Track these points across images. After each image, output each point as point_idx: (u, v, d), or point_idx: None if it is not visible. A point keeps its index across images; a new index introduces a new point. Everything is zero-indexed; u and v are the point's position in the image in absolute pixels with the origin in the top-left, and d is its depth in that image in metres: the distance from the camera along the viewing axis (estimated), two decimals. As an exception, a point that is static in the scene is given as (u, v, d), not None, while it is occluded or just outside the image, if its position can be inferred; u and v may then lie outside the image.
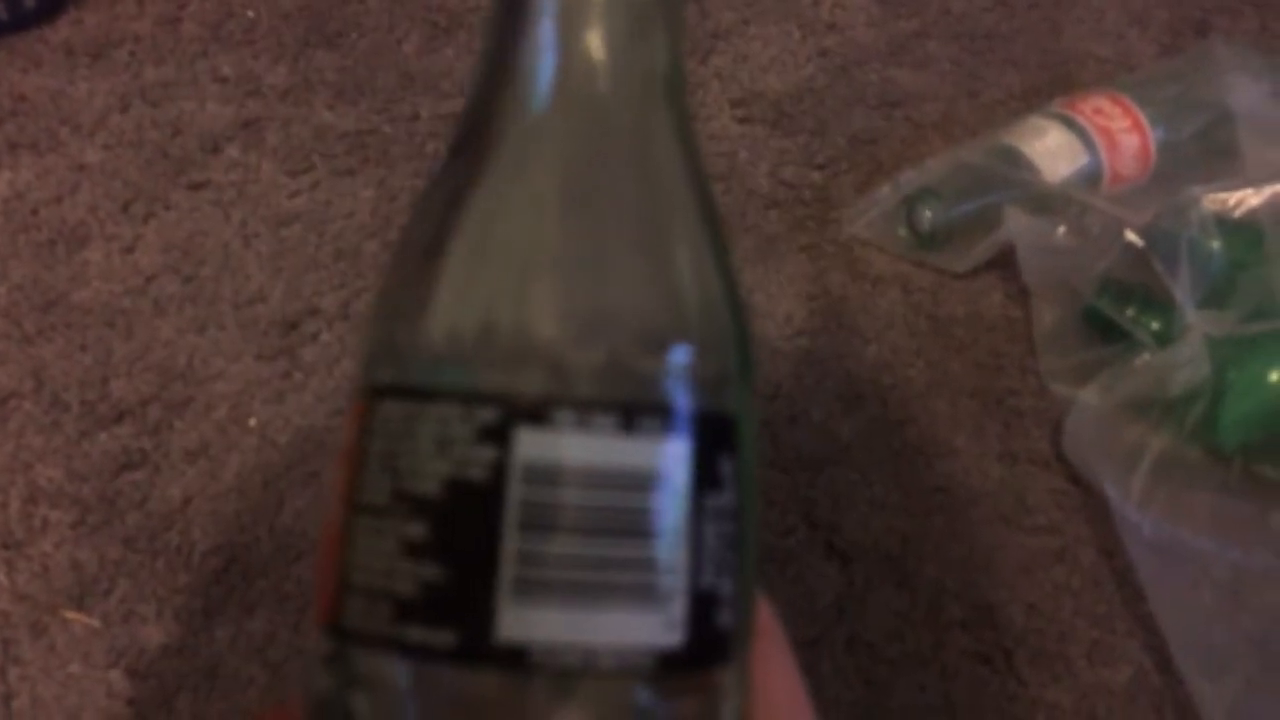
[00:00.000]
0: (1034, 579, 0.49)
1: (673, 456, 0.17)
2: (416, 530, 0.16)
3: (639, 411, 0.17)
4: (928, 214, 0.57)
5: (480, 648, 0.16)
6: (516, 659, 0.16)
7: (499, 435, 0.16)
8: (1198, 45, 0.69)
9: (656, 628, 0.16)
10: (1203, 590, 0.46)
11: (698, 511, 0.17)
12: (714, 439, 0.17)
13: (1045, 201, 0.55)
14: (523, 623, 0.16)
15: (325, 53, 0.64)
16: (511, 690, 0.16)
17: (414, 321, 0.18)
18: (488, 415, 0.16)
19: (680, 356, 0.17)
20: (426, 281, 0.18)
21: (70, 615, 0.43)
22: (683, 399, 0.17)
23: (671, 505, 0.17)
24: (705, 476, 0.17)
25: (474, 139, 0.19)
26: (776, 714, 0.20)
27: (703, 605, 0.17)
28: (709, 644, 0.17)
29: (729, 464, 0.18)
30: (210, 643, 0.43)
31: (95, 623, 0.43)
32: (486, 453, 0.16)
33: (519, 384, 0.16)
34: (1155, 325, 0.50)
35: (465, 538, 0.16)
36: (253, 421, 0.48)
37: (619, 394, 0.17)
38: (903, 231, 0.59)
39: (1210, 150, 0.58)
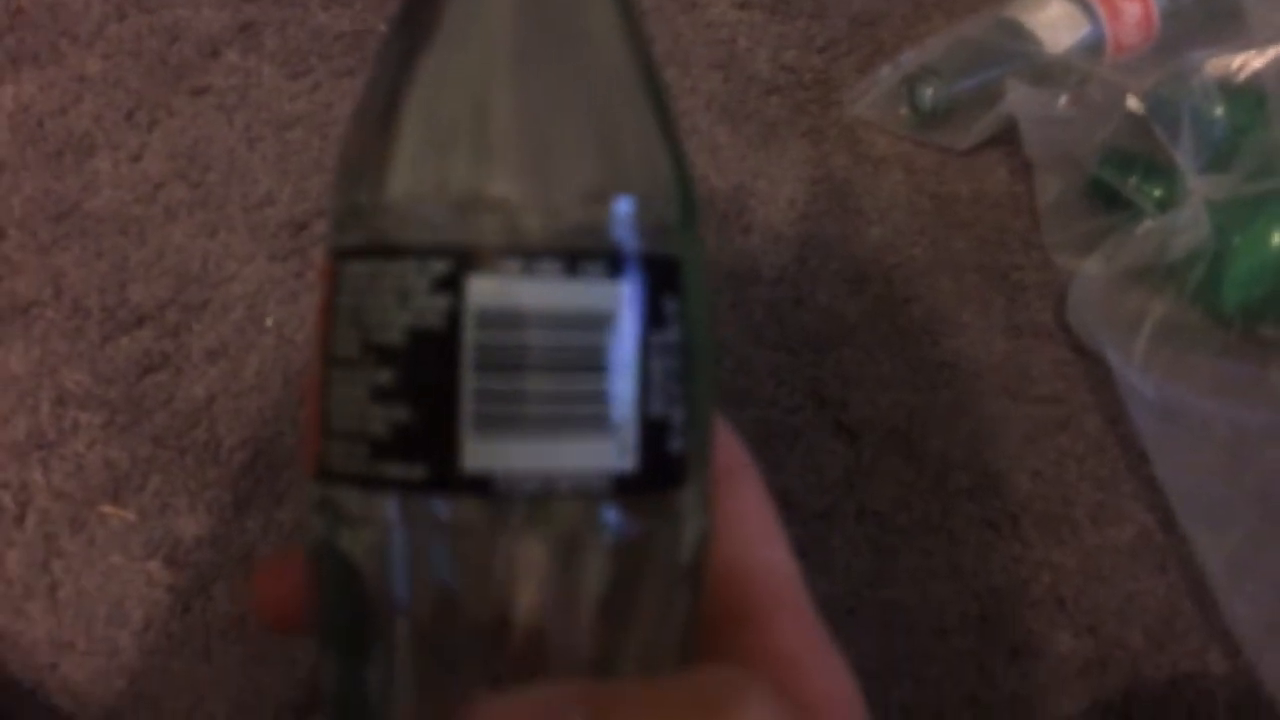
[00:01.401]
0: (1038, 447, 0.50)
1: (615, 297, 0.18)
2: (384, 377, 0.18)
3: (582, 256, 0.18)
4: (929, 91, 0.57)
5: (448, 478, 0.17)
6: (482, 486, 0.17)
7: (452, 284, 0.17)
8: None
9: (610, 453, 0.18)
10: (1205, 449, 0.47)
11: (643, 347, 0.18)
12: (656, 280, 0.19)
13: (1047, 73, 0.55)
14: (485, 454, 0.17)
15: (318, -47, 0.63)
16: (479, 515, 0.17)
17: (372, 185, 0.19)
18: (441, 267, 0.17)
19: (622, 207, 0.18)
20: (382, 147, 0.19)
21: (107, 510, 0.44)
22: (623, 244, 0.18)
23: (617, 342, 0.18)
24: (649, 315, 0.18)
25: (420, 7, 0.20)
26: (749, 540, 0.21)
27: (653, 432, 0.18)
28: (662, 468, 0.18)
29: (672, 303, 0.19)
30: (242, 532, 0.44)
31: (131, 516, 0.44)
32: (442, 301, 0.17)
33: (469, 237, 0.18)
34: (1158, 193, 0.50)
35: (427, 380, 0.17)
36: (269, 321, 0.50)
37: (562, 242, 0.18)
38: (905, 111, 0.59)
39: (1214, 14, 0.57)
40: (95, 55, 0.57)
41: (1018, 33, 0.56)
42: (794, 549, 0.22)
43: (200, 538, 0.44)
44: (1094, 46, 0.57)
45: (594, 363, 0.18)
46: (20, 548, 0.44)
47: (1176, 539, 0.47)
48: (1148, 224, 0.49)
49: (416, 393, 0.17)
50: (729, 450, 0.22)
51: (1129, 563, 0.48)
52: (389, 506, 0.18)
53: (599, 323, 0.18)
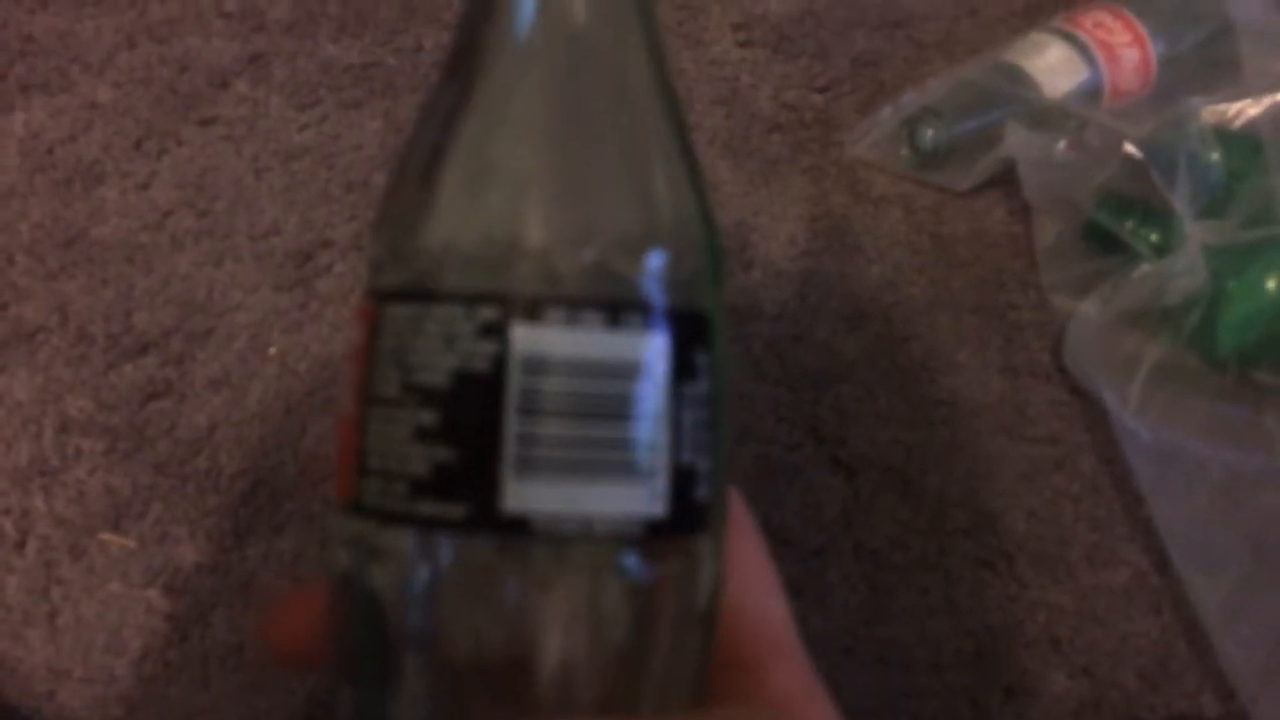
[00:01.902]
0: (1035, 487, 0.51)
1: (653, 349, 0.19)
2: (427, 417, 0.18)
3: (622, 309, 0.19)
4: (929, 133, 0.58)
5: (487, 518, 0.18)
6: (519, 527, 0.18)
7: (499, 331, 0.18)
8: (1201, -43, 0.68)
9: (643, 499, 0.18)
10: (1199, 492, 0.47)
11: (676, 398, 0.19)
12: (689, 334, 0.19)
13: (1046, 117, 0.56)
14: (524, 496, 0.18)
15: (327, -14, 0.64)
16: (516, 555, 0.18)
17: (417, 232, 0.19)
18: (488, 314, 0.18)
19: (657, 260, 0.19)
20: (428, 196, 0.20)
21: (107, 537, 0.45)
22: (660, 298, 0.19)
23: (653, 392, 0.19)
24: (682, 367, 0.19)
25: (464, 63, 0.20)
26: (747, 587, 0.22)
27: (682, 479, 0.19)
28: (688, 513, 0.19)
29: (703, 356, 0.20)
30: (242, 561, 0.45)
31: (131, 544, 0.44)
32: (488, 347, 0.18)
33: (516, 285, 0.18)
34: (1154, 237, 0.51)
35: (472, 422, 0.18)
36: (272, 350, 0.50)
37: (604, 293, 0.19)
38: (905, 151, 0.59)
39: (1211, 62, 0.58)
40: (106, 84, 0.58)
41: (1017, 77, 0.57)
42: (789, 588, 0.23)
43: (200, 566, 0.44)
44: (1092, 92, 0.58)
45: (631, 411, 0.18)
46: (20, 574, 0.44)
47: (1171, 581, 0.47)
48: (1144, 268, 0.50)
49: (460, 434, 0.18)
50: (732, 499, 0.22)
51: (1124, 604, 0.48)
52: (425, 544, 0.18)
53: (637, 373, 0.19)
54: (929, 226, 0.58)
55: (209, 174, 0.55)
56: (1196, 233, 0.48)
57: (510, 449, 0.18)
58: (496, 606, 0.18)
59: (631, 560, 0.19)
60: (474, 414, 0.18)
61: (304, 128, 0.57)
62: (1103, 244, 0.53)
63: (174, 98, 0.58)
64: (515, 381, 0.18)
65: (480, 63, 0.20)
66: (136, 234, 0.53)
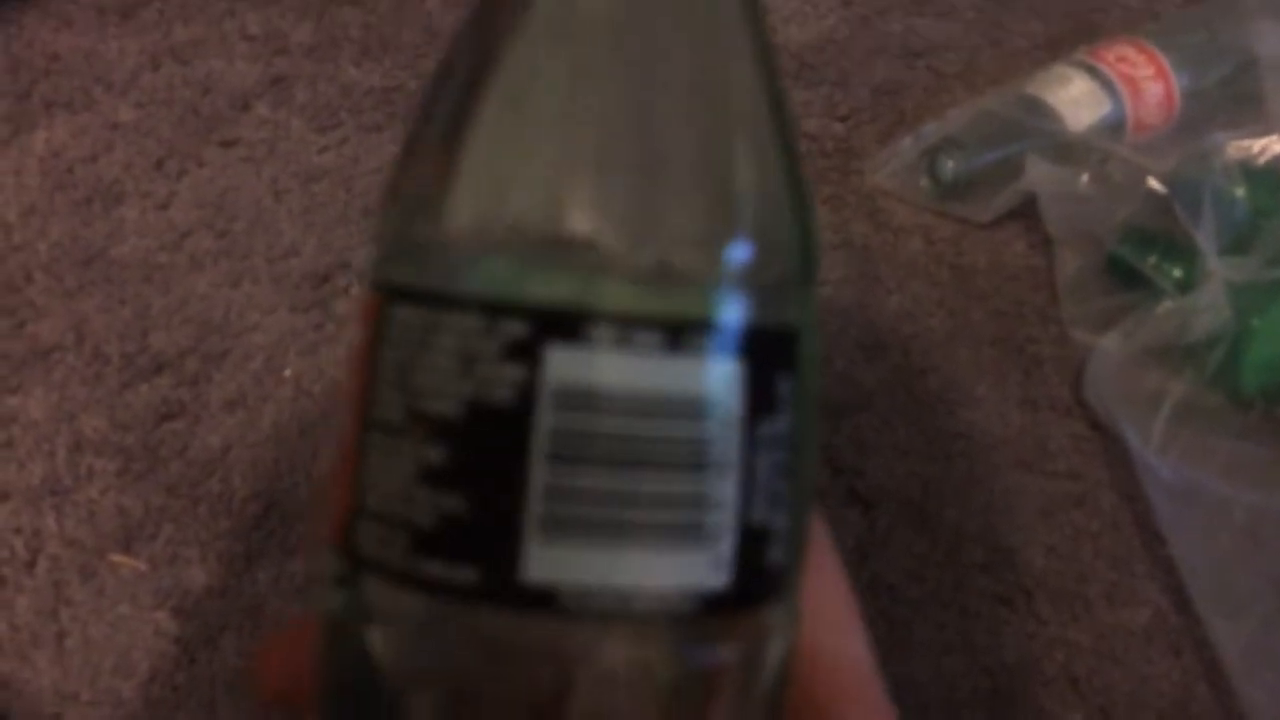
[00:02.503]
0: (1054, 522, 0.50)
1: (723, 378, 0.15)
2: (435, 455, 0.15)
3: (687, 326, 0.15)
4: (950, 164, 0.57)
5: (505, 588, 0.14)
6: (544, 601, 0.14)
7: (527, 353, 0.14)
8: (1224, -8, 0.68)
9: (701, 567, 0.15)
10: (1221, 533, 0.46)
11: (750, 440, 0.15)
12: (771, 356, 0.16)
13: (1068, 150, 0.55)
14: (551, 562, 0.14)
15: (350, 10, 0.64)
16: (537, 634, 0.14)
17: (432, 214, 0.15)
18: (515, 329, 0.14)
19: (738, 256, 0.15)
20: (446, 167, 0.15)
21: (118, 559, 0.44)
22: (737, 310, 0.15)
23: (721, 434, 0.15)
24: (760, 400, 0.15)
25: (507, 12, 0.16)
26: (826, 628, 0.20)
27: (752, 542, 0.15)
28: (758, 582, 0.16)
29: (787, 383, 0.16)
30: (253, 584, 0.44)
31: (142, 566, 0.44)
32: (513, 372, 0.14)
33: (551, 292, 0.14)
34: (1177, 272, 0.50)
35: (489, 468, 0.14)
36: (288, 372, 0.50)
37: (665, 305, 0.15)
38: (925, 182, 0.59)
39: (1235, 97, 0.58)
40: (128, 104, 0.58)
41: (1039, 109, 0.57)
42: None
43: (210, 589, 0.44)
44: (1115, 125, 0.57)
45: (692, 459, 0.15)
46: (29, 594, 0.44)
47: (1192, 622, 0.47)
48: (1167, 304, 0.49)
49: (474, 481, 0.14)
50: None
51: (1143, 645, 0.47)
52: (429, 611, 0.15)
53: (703, 410, 0.15)
54: (949, 258, 0.58)
55: (228, 195, 0.55)
56: (1220, 269, 0.48)
57: (535, 504, 0.14)
58: (513, 693, 0.15)
59: (682, 643, 0.15)
60: (492, 458, 0.14)
61: (324, 150, 0.58)
62: (1125, 279, 0.53)
63: (195, 119, 0.58)
64: (546, 419, 0.14)
65: (535, 13, 0.16)
66: (155, 254, 0.53)
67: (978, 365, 0.54)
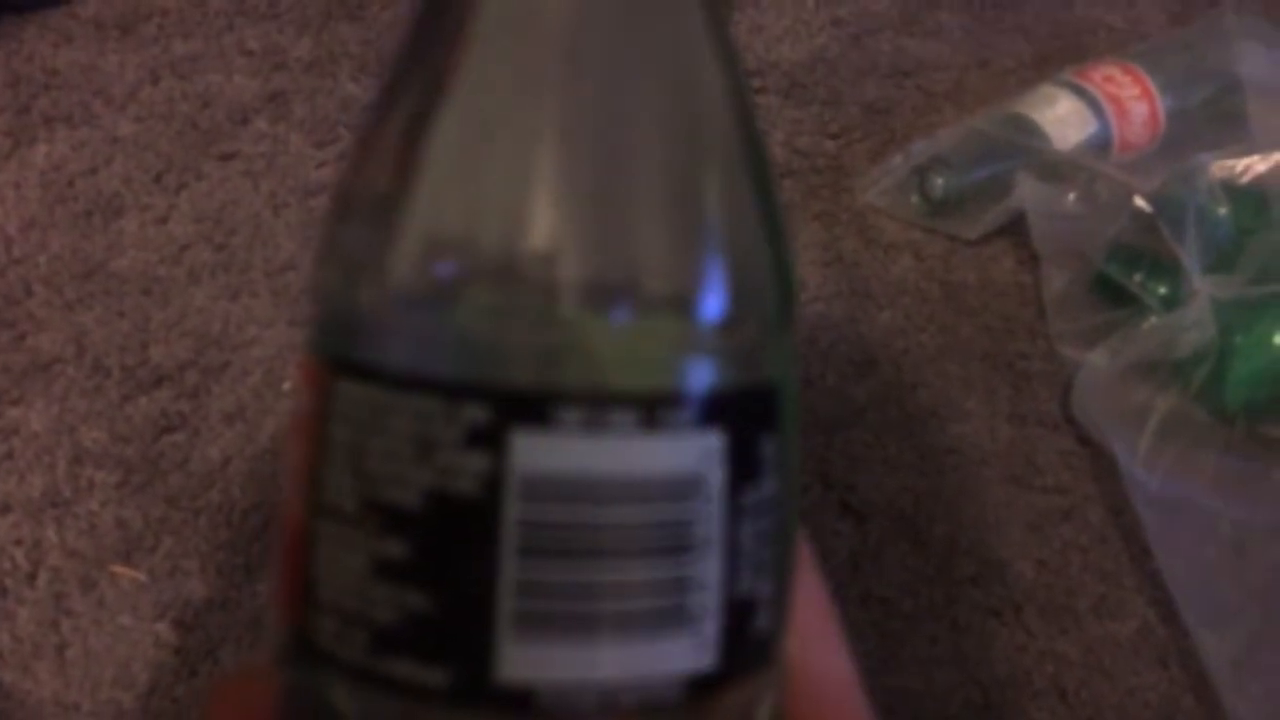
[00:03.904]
0: (1043, 536, 0.51)
1: (704, 453, 0.14)
2: (394, 549, 0.14)
3: (661, 400, 0.14)
4: (940, 182, 0.58)
5: (478, 690, 0.13)
6: (521, 702, 0.13)
7: (491, 440, 0.13)
8: (1208, 14, 0.70)
9: (685, 652, 0.14)
10: (1208, 546, 0.47)
11: (734, 513, 0.14)
12: (752, 419, 0.15)
13: (1056, 169, 0.56)
14: (527, 661, 0.13)
15: (348, 25, 0.65)
16: None
17: (373, 276, 0.14)
18: (476, 414, 0.13)
19: (715, 313, 0.14)
20: (388, 220, 0.14)
21: (118, 570, 0.45)
22: (713, 374, 0.14)
23: (702, 512, 0.14)
24: (743, 469, 0.14)
25: (431, 40, 0.14)
26: (805, 641, 0.19)
27: (738, 616, 0.15)
28: (746, 655, 0.15)
29: (770, 444, 0.15)
30: (252, 597, 0.45)
31: (142, 577, 0.45)
32: (476, 461, 0.13)
33: (514, 371, 0.13)
34: (1163, 290, 0.51)
35: (454, 563, 0.13)
36: (287, 385, 0.50)
37: (636, 378, 0.14)
38: (915, 199, 0.60)
39: (1219, 118, 0.59)
40: (128, 118, 0.59)
41: (1027, 128, 0.58)
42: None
43: (210, 601, 0.45)
44: (1101, 144, 0.58)
45: (673, 542, 0.14)
46: (30, 606, 0.44)
47: (1178, 634, 0.47)
48: (1153, 320, 0.50)
49: (438, 578, 0.13)
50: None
51: (1130, 657, 0.48)
52: (394, 713, 0.14)
53: (683, 491, 0.14)
54: (939, 274, 0.59)
55: (227, 209, 0.56)
56: (1205, 287, 0.49)
57: (506, 601, 0.13)
58: None
59: None
60: (458, 551, 0.13)
61: (322, 165, 0.58)
62: (1111, 296, 0.54)
63: (194, 133, 0.59)
64: (513, 510, 0.13)
65: (458, 35, 0.14)
66: (154, 267, 0.53)
67: (967, 380, 0.55)
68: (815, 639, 0.19)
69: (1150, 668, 0.47)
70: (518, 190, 0.13)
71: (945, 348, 0.56)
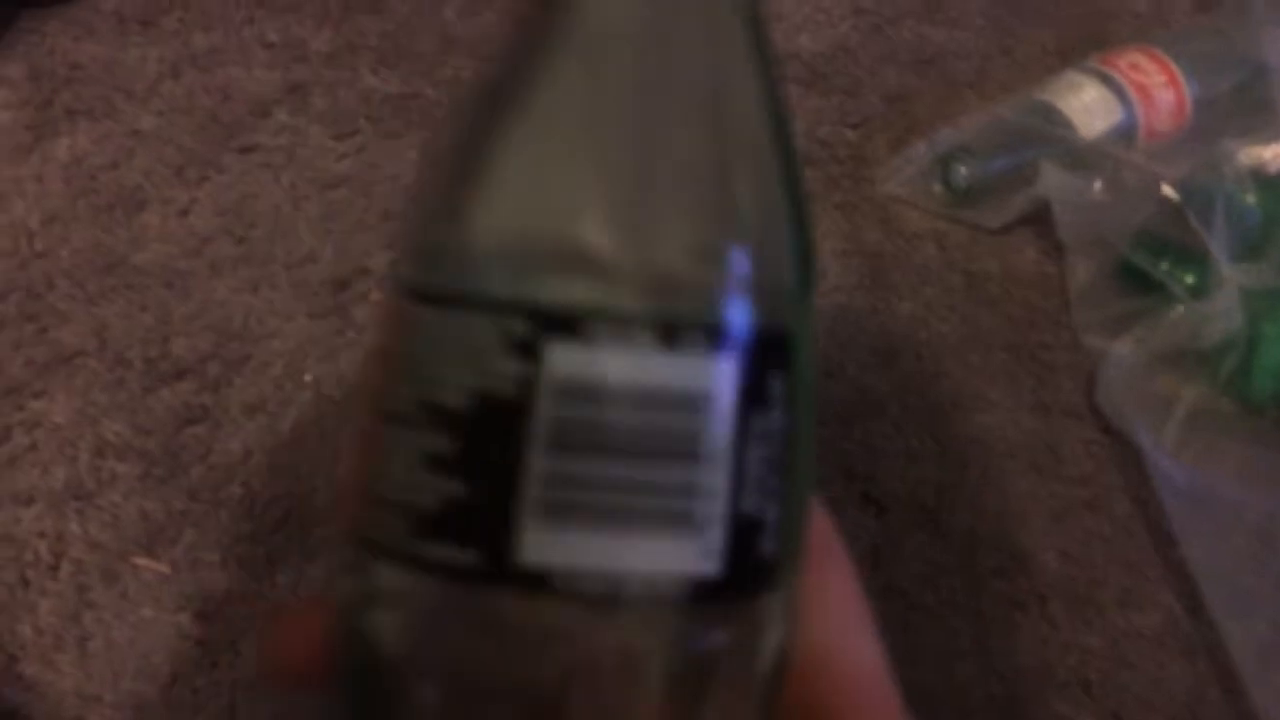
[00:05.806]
0: (1066, 527, 0.50)
1: (717, 375, 0.16)
2: (440, 443, 0.16)
3: (682, 326, 0.16)
4: (963, 171, 0.58)
5: (501, 570, 0.15)
6: (538, 583, 0.15)
7: (529, 349, 0.15)
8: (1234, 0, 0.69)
9: (691, 555, 0.16)
10: (1234, 536, 0.47)
11: (742, 433, 0.16)
12: (764, 356, 0.16)
13: (1081, 157, 0.56)
14: (546, 546, 0.15)
15: (368, 18, 0.65)
16: (532, 615, 0.15)
17: (446, 220, 0.17)
18: (518, 327, 0.15)
19: (734, 265, 0.16)
20: (461, 179, 0.17)
21: (140, 562, 0.45)
22: (732, 312, 0.16)
23: (713, 427, 0.16)
24: (752, 396, 0.16)
25: (529, 32, 0.17)
26: (836, 629, 0.20)
27: (743, 532, 0.16)
28: (749, 572, 0.16)
29: (779, 383, 0.17)
30: (273, 588, 0.45)
31: (165, 569, 0.45)
32: (515, 367, 0.15)
33: (552, 293, 0.15)
34: (1189, 279, 0.51)
35: (490, 455, 0.15)
36: (308, 377, 0.50)
37: (662, 306, 0.16)
38: (938, 188, 0.59)
39: (1246, 105, 0.58)
40: (149, 112, 0.59)
41: (1051, 116, 0.57)
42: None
43: (231, 592, 0.45)
44: (1127, 132, 0.58)
45: (684, 450, 0.15)
46: (53, 597, 0.44)
47: (1204, 625, 0.47)
48: (1180, 310, 0.50)
49: (475, 467, 0.15)
50: (816, 529, 0.19)
51: (1155, 648, 0.47)
52: (430, 592, 0.16)
53: (695, 404, 0.16)
54: (961, 264, 0.58)
55: (248, 201, 0.56)
56: (1233, 276, 0.48)
57: (532, 490, 0.15)
58: (509, 673, 0.15)
59: (673, 626, 0.16)
60: (492, 445, 0.15)
61: (342, 157, 0.58)
62: (1137, 285, 0.53)
63: (215, 126, 0.59)
64: (545, 410, 0.15)
65: (544, 30, 0.17)
66: (176, 260, 0.53)
67: (990, 371, 0.55)
68: (847, 629, 0.20)
69: (1175, 660, 0.47)
70: (575, 153, 0.16)
71: (968, 338, 0.56)
